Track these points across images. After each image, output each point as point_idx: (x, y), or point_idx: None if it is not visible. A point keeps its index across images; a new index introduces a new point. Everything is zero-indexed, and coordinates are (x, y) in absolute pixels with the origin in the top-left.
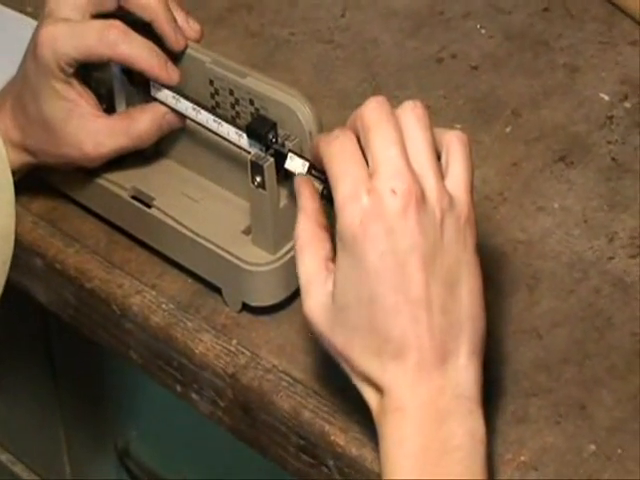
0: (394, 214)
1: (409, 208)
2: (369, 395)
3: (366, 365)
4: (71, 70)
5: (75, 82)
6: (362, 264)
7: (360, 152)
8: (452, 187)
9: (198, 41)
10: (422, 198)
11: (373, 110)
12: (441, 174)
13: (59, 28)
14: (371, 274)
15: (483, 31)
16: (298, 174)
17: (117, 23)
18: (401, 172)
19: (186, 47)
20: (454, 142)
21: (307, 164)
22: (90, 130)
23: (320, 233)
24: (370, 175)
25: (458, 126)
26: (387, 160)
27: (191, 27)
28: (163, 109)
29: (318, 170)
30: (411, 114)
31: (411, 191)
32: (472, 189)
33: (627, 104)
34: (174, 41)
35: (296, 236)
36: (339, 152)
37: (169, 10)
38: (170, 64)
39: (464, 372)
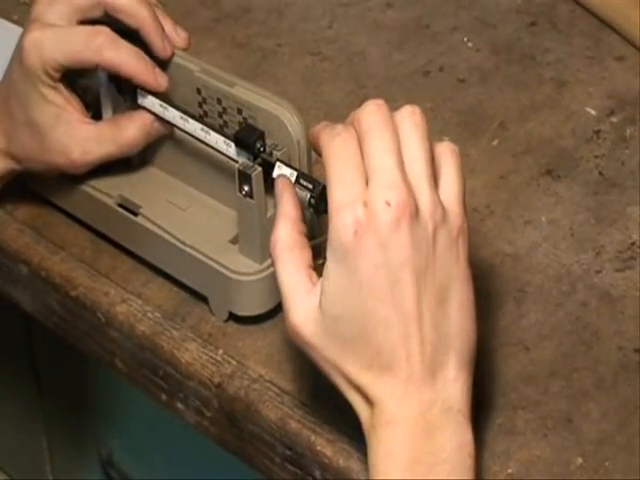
0: (387, 227)
1: (402, 221)
2: (360, 406)
3: (358, 376)
4: (57, 75)
5: (62, 88)
6: (354, 276)
7: (360, 155)
8: (445, 198)
9: (186, 49)
10: (415, 211)
11: (371, 113)
12: (435, 185)
13: (45, 33)
14: (363, 286)
15: (470, 44)
16: (279, 175)
17: (104, 29)
18: (396, 183)
19: (173, 55)
20: (446, 153)
21: (295, 174)
22: (77, 136)
23: (302, 242)
24: (366, 180)
25: (445, 139)
26: (382, 169)
27: (178, 35)
28: (150, 116)
29: (306, 179)
30: (409, 120)
31: (405, 204)
32: (464, 200)
33: (614, 119)
34: (161, 48)
35: (276, 240)
36: (340, 152)
37: (156, 18)
38: (158, 70)
39: (453, 386)
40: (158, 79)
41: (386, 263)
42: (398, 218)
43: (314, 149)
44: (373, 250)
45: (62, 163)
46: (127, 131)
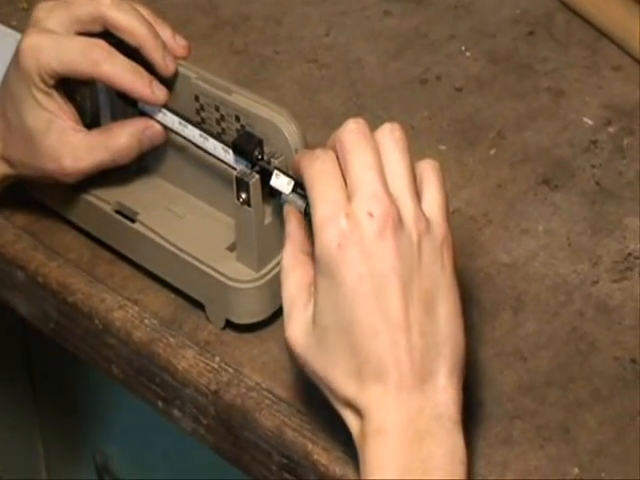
0: (371, 237)
1: (386, 231)
2: (350, 419)
3: (346, 388)
4: (52, 82)
5: (56, 94)
6: (340, 287)
7: (340, 173)
8: (428, 210)
9: (186, 58)
10: (399, 221)
11: (351, 132)
12: (418, 197)
13: (44, 39)
14: (349, 297)
15: (468, 53)
16: (286, 205)
17: (101, 42)
18: (378, 195)
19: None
20: (428, 169)
21: (292, 182)
22: (69, 144)
23: (304, 260)
24: (348, 197)
25: (443, 147)
26: (364, 183)
27: (178, 43)
28: (143, 124)
29: (303, 188)
30: (389, 136)
31: (388, 214)
32: (448, 212)
33: (611, 129)
34: (163, 66)
35: (282, 263)
36: (319, 173)
37: (157, 35)
38: (156, 83)
39: (443, 393)
40: (156, 93)
41: (371, 272)
42: (382, 228)
43: (296, 177)
44: (357, 260)
45: (53, 170)
46: (119, 138)
